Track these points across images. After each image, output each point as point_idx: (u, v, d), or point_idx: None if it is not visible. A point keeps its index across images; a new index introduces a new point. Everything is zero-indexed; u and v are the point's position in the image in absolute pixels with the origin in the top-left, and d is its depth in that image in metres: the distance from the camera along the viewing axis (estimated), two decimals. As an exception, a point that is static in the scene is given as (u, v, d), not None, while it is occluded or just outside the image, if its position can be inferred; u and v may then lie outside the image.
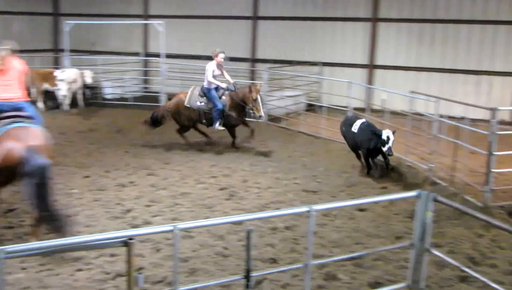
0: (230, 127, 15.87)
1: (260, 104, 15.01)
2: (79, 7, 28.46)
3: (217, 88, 15.56)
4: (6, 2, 26.78)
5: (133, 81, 25.88)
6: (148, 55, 26.81)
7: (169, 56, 23.56)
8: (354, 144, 13.70)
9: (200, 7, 26.04)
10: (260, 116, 15.38)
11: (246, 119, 16.02)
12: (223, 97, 15.58)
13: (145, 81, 26.05)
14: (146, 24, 26.81)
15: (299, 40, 24.17)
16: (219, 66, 15.53)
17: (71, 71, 21.20)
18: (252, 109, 15.20)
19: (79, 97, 21.81)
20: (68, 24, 23.31)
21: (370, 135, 12.97)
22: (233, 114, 15.47)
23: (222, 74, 15.67)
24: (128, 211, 10.80)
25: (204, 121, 15.80)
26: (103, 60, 25.54)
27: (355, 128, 13.46)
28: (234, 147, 15.90)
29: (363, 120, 13.72)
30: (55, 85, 21.23)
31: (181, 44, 25.90)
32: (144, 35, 27.61)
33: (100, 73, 24.46)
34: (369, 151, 13.24)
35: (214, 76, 15.42)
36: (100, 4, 28.12)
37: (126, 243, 4.20)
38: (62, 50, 25.68)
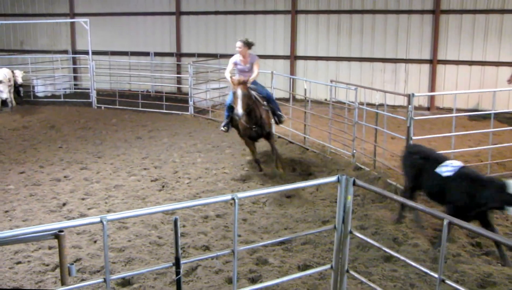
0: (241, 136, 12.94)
1: (239, 100, 11.30)
2: (4, 7, 27.67)
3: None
4: None
5: (64, 79, 25.32)
6: (76, 52, 26.36)
7: (96, 53, 23.30)
8: (439, 192, 8.76)
9: (124, 4, 25.74)
10: (237, 114, 11.43)
11: (265, 130, 12.35)
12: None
13: (75, 78, 25.54)
14: (72, 22, 26.27)
15: (223, 34, 24.21)
16: (244, 58, 12.45)
17: (5, 71, 20.56)
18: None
19: (11, 96, 21.29)
20: (-5, 24, 22.85)
21: (473, 188, 8.22)
22: (243, 119, 11.96)
23: (251, 67, 12.40)
24: (64, 204, 10.72)
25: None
26: (32, 59, 25.03)
27: (446, 170, 8.64)
28: (276, 167, 12.54)
29: (459, 163, 8.84)
30: None
31: (108, 41, 25.60)
32: (71, 33, 27.11)
33: (31, 72, 23.94)
34: (463, 211, 8.20)
35: (238, 71, 12.53)
36: (25, 4, 27.41)
37: (57, 235, 4.24)
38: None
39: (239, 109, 11.12)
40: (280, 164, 12.45)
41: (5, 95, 20.17)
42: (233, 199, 4.84)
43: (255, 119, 11.90)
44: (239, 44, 12.24)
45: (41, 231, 4.28)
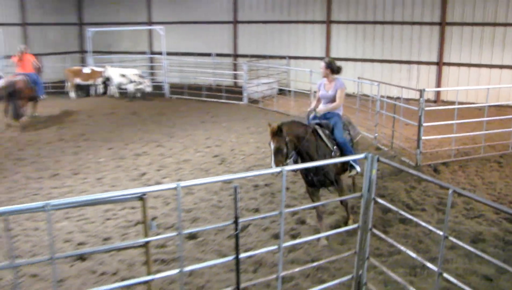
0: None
1: (272, 154, 7.31)
2: (97, 18, 28.07)
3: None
4: (42, 15, 26.29)
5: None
6: (153, 53, 26.58)
7: (169, 53, 23.44)
8: None
9: (191, 14, 25.75)
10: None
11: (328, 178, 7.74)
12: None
13: (151, 74, 25.83)
14: (150, 29, 26.49)
15: (271, 39, 24.07)
16: (328, 82, 8.14)
17: (133, 71, 21.04)
18: None
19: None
20: (90, 31, 23.23)
21: None
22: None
23: (334, 95, 8.04)
24: (143, 174, 10.86)
25: None
26: (117, 58, 25.48)
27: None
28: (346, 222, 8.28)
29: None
30: (86, 79, 21.21)
31: (178, 44, 25.70)
32: (149, 38, 27.29)
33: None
34: None
35: (321, 98, 8.22)
36: (113, 14, 27.73)
37: (141, 198, 4.28)
38: (86, 52, 25.32)
39: (272, 164, 7.19)
40: (351, 216, 8.15)
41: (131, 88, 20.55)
42: (281, 171, 4.85)
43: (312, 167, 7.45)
44: (322, 64, 8.08)
45: (129, 194, 4.33)
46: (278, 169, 4.91)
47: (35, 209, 3.76)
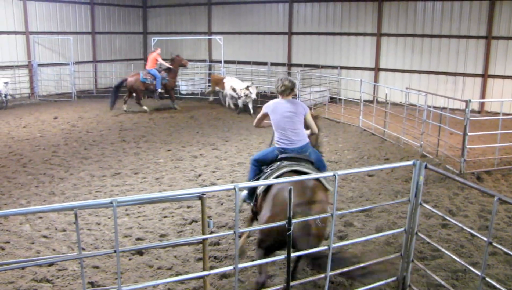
0: None
1: None
2: (161, 27, 28.72)
3: None
4: (110, 25, 27.12)
5: (201, 81, 25.89)
6: (212, 61, 26.84)
7: (227, 62, 23.67)
8: None
9: (249, 25, 25.88)
10: None
11: None
12: None
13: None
14: (209, 39, 26.79)
15: (323, 50, 23.87)
16: None
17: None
18: None
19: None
20: (154, 40, 23.77)
21: None
22: None
23: None
24: (199, 175, 10.94)
25: None
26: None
27: None
28: None
29: None
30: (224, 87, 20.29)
31: (236, 53, 25.88)
32: (208, 47, 27.60)
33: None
34: None
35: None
36: (176, 25, 28.27)
37: (200, 197, 4.26)
38: (149, 59, 25.90)
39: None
40: None
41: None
42: (334, 175, 4.75)
43: None
44: None
45: (190, 194, 4.35)
46: (331, 173, 4.78)
47: (103, 205, 3.80)
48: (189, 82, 25.23)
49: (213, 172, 11.18)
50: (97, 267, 6.62)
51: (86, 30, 25.90)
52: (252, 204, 6.11)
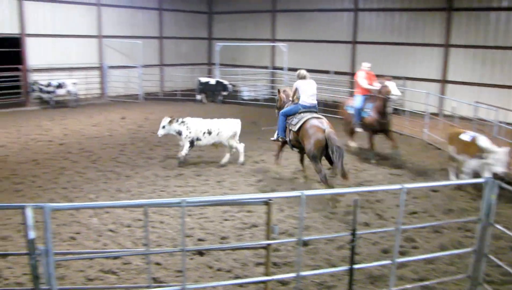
0: None
1: None
2: (225, 33, 29.15)
3: None
4: (177, 30, 27.88)
5: (263, 87, 26.15)
6: (274, 68, 26.98)
7: (289, 69, 23.67)
8: None
9: (313, 33, 25.81)
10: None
11: None
12: None
13: (272, 87, 26.23)
14: (273, 46, 26.92)
15: (388, 60, 23.43)
16: None
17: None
18: None
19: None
20: (218, 46, 24.18)
21: None
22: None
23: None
24: (259, 181, 10.98)
25: None
26: (241, 71, 26.25)
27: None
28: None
29: None
30: None
31: (298, 60, 25.68)
32: (271, 53, 27.74)
33: (240, 81, 25.05)
34: None
35: None
36: (240, 31, 28.62)
37: (267, 202, 4.29)
38: (213, 64, 26.40)
39: None
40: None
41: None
42: (401, 188, 4.66)
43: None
44: None
45: (257, 198, 4.38)
46: (398, 186, 4.70)
47: (173, 205, 3.92)
48: (251, 88, 25.50)
49: (273, 178, 11.20)
50: (159, 264, 6.80)
51: (154, 35, 26.76)
52: (283, 137, 10.74)
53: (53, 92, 20.85)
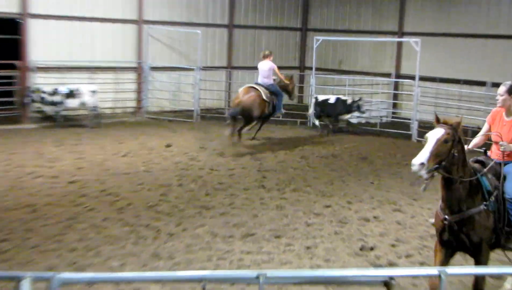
0: None
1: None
2: (328, 22, 29.40)
3: None
4: (257, 16, 28.42)
5: (382, 105, 25.82)
6: (400, 76, 26.64)
7: (423, 78, 23.19)
8: None
9: (462, 24, 25.30)
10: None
11: None
12: None
13: (395, 105, 25.86)
14: (400, 42, 26.58)
15: None
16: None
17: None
18: None
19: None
20: (317, 40, 23.95)
21: None
22: None
23: None
24: (371, 249, 10.80)
25: None
26: (350, 80, 26.03)
27: None
28: None
29: None
30: None
31: (437, 65, 25.37)
32: (396, 55, 27.48)
33: (347, 94, 24.54)
34: None
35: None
36: (350, 20, 28.78)
37: (387, 283, 4.22)
38: (308, 68, 26.50)
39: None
40: None
41: None
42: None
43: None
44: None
45: (371, 276, 4.33)
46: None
47: (246, 280, 3.94)
48: (364, 105, 25.11)
49: (393, 245, 11.00)
50: None
51: (221, 22, 27.24)
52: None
53: (60, 103, 20.85)
